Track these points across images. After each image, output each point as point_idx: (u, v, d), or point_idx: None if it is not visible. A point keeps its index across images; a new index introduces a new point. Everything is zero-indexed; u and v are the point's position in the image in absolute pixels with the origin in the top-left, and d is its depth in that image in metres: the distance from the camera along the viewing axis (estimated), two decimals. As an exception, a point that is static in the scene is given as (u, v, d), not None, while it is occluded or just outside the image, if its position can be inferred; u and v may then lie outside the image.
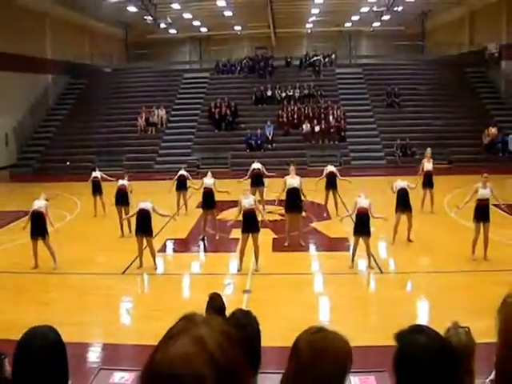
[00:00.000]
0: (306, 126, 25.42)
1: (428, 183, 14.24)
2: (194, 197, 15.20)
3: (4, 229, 13.98)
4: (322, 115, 26.03)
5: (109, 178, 15.12)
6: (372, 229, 10.15)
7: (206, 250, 12.30)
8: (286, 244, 11.70)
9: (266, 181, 15.31)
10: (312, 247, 12.06)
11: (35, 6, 26.59)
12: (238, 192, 11.36)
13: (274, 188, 14.84)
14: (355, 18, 36.60)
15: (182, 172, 14.85)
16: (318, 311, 8.58)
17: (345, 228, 12.29)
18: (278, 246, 11.76)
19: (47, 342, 1.85)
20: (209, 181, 12.90)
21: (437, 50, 34.28)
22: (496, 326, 1.52)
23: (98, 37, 35.47)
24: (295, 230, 11.85)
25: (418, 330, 1.66)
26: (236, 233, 11.49)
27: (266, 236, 11.61)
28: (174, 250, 12.42)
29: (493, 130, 24.03)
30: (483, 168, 12.46)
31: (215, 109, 26.65)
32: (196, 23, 37.58)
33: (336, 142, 24.93)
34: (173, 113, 27.86)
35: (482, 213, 10.16)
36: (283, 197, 12.10)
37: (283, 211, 12.40)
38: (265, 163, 15.75)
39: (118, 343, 7.39)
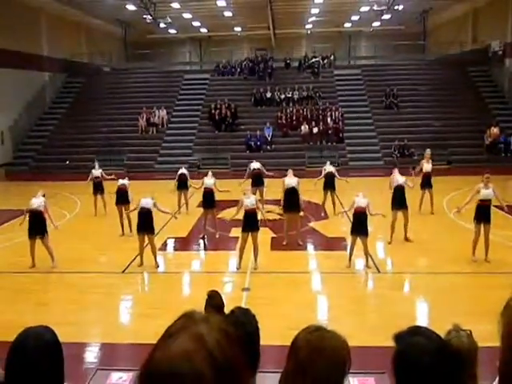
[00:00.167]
0: (304, 128, 25.55)
1: (427, 184, 14.23)
2: (195, 196, 15.24)
3: (-1, 228, 13.97)
4: (321, 117, 26.18)
5: (108, 177, 15.10)
6: (370, 228, 10.16)
7: (205, 249, 12.34)
8: (285, 243, 11.80)
9: (266, 181, 15.41)
10: (310, 246, 12.09)
11: (30, 0, 26.35)
12: (237, 192, 11.38)
13: (273, 188, 14.88)
14: (355, 17, 36.60)
15: (183, 171, 14.90)
16: (316, 310, 8.61)
17: (342, 228, 12.38)
18: (276, 245, 11.85)
19: (41, 343, 1.82)
20: (209, 181, 12.99)
21: (438, 49, 34.06)
22: (499, 329, 1.51)
23: (96, 35, 35.35)
24: (293, 229, 11.93)
25: (416, 331, 1.66)
26: (236, 231, 11.57)
27: (264, 235, 11.69)
28: (175, 249, 12.44)
29: (495, 130, 23.97)
30: (484, 169, 12.45)
31: (215, 110, 26.81)
32: (196, 23, 37.62)
33: (334, 143, 25.01)
34: (173, 113, 27.92)
35: (483, 214, 10.07)
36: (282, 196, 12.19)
37: (282, 211, 12.45)
38: (264, 164, 15.80)
39: (116, 342, 7.39)
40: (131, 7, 29.57)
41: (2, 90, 23.97)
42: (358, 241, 10.05)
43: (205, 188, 12.90)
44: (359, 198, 10.16)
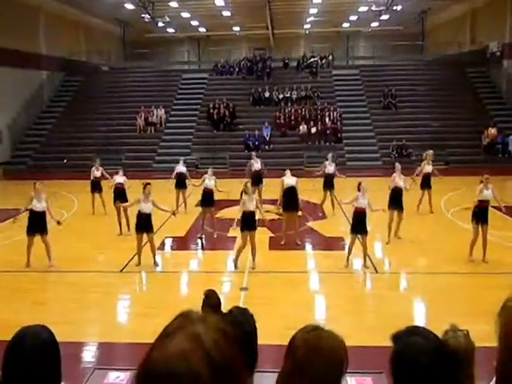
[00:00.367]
0: (302, 128, 25.58)
1: (426, 185, 14.39)
2: (193, 195, 15.22)
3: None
4: (319, 117, 26.22)
5: (108, 177, 15.07)
6: (368, 228, 10.17)
7: (203, 248, 12.33)
8: (283, 242, 11.81)
9: (264, 180, 15.45)
10: (308, 246, 12.10)
11: (28, -1, 26.28)
12: (237, 191, 11.37)
13: (271, 188, 14.88)
14: (353, 17, 36.65)
15: (181, 168, 14.88)
16: (313, 310, 8.60)
17: (340, 227, 12.44)
18: (274, 245, 11.86)
19: (38, 342, 1.81)
20: (210, 182, 12.96)
21: (436, 49, 34.11)
22: (496, 329, 1.51)
23: (94, 34, 35.31)
24: (292, 229, 11.94)
25: (414, 331, 1.66)
26: (234, 231, 11.56)
27: (262, 234, 11.71)
28: (173, 248, 12.42)
29: (492, 131, 24.01)
30: (482, 169, 12.47)
31: (214, 109, 26.83)
32: (194, 23, 37.63)
33: (332, 143, 25.02)
34: (172, 113, 27.93)
35: (481, 215, 10.10)
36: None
37: (281, 210, 12.45)
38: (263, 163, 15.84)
39: (114, 342, 7.37)
40: (129, 6, 29.56)
41: (0, 88, 23.89)
42: (357, 241, 10.06)
43: (205, 188, 12.90)
44: (360, 194, 10.18)
